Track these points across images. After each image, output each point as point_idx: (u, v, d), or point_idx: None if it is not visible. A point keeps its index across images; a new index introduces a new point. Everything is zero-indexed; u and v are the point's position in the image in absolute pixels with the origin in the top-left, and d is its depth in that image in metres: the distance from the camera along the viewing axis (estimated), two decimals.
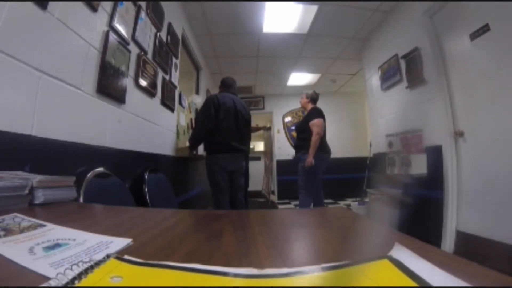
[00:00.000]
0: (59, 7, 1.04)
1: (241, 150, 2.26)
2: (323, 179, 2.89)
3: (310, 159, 2.55)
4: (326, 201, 3.33)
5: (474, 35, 1.90)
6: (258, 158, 6.20)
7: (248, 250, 0.37)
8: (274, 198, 5.33)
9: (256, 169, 5.19)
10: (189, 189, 2.87)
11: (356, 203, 3.79)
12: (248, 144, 2.46)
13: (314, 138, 2.57)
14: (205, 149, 2.26)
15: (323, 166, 2.72)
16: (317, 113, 2.72)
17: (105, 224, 0.55)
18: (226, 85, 2.42)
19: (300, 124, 2.93)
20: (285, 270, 0.26)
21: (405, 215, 2.24)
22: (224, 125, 2.14)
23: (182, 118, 2.85)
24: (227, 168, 2.16)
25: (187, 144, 2.72)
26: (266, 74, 4.82)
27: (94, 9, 1.27)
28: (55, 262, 0.30)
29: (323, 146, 2.67)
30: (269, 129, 3.78)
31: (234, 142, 2.19)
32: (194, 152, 2.48)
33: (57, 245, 0.35)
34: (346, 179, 5.11)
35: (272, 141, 5.28)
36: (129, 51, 1.58)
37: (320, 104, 2.90)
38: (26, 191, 0.64)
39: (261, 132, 3.72)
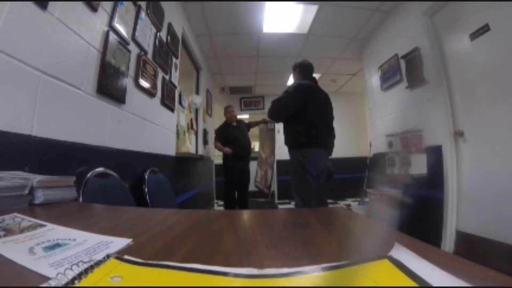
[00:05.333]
0: (59, 7, 1.04)
1: (329, 146, 2.09)
2: None
3: None
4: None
5: (474, 35, 1.90)
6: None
7: (248, 250, 0.37)
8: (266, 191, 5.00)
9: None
10: (189, 189, 2.87)
11: (356, 203, 3.80)
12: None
13: None
14: (290, 142, 2.08)
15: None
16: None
17: (105, 224, 0.55)
18: (309, 71, 2.18)
19: None
20: (285, 270, 0.26)
21: (405, 215, 2.24)
22: (316, 118, 1.99)
23: (182, 118, 2.85)
24: (318, 165, 1.96)
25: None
26: (266, 74, 4.82)
27: (94, 9, 1.27)
28: (55, 262, 0.30)
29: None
30: (266, 122, 3.75)
31: (326, 136, 2.04)
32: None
33: (57, 245, 0.35)
34: (346, 179, 5.11)
35: (273, 136, 5.09)
36: (129, 51, 1.58)
37: None
38: (26, 191, 0.64)
39: (261, 126, 3.68)
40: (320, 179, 2.01)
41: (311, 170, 1.95)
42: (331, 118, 2.19)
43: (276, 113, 2.13)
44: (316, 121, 2.01)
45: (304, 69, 2.20)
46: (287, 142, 2.12)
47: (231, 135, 3.34)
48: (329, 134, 2.14)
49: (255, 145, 7.55)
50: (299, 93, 2.01)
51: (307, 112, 1.98)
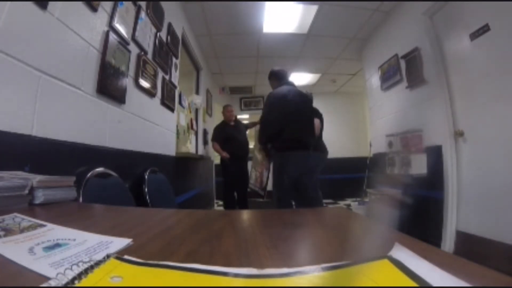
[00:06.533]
0: (59, 7, 1.04)
1: (310, 146, 2.17)
2: (322, 179, 2.89)
3: None
4: (326, 201, 3.33)
5: (474, 35, 1.90)
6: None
7: (248, 250, 0.37)
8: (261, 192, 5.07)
9: None
10: (189, 189, 2.87)
11: (356, 203, 3.79)
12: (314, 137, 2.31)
13: None
14: (273, 146, 2.21)
15: (321, 165, 2.72)
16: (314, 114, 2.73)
17: (105, 224, 0.55)
18: (280, 77, 2.39)
19: None
20: (285, 270, 0.26)
21: (405, 215, 2.23)
22: (292, 120, 2.09)
23: (182, 118, 2.86)
24: (298, 167, 2.08)
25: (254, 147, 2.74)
26: (266, 74, 4.79)
27: (94, 9, 1.27)
28: (55, 262, 0.30)
29: (319, 146, 2.68)
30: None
31: (305, 137, 2.12)
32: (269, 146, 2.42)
33: (57, 245, 0.35)
34: (346, 179, 5.11)
35: None
36: (129, 51, 1.58)
37: (320, 104, 2.90)
38: (26, 191, 0.64)
39: (257, 128, 3.71)
40: (303, 179, 2.14)
41: (290, 172, 2.08)
42: (311, 116, 2.27)
43: (265, 133, 2.24)
44: (295, 123, 2.11)
45: (277, 76, 2.39)
46: (272, 146, 2.25)
47: (229, 135, 3.34)
48: (311, 132, 2.22)
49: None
50: (272, 105, 2.17)
51: (285, 116, 2.10)
